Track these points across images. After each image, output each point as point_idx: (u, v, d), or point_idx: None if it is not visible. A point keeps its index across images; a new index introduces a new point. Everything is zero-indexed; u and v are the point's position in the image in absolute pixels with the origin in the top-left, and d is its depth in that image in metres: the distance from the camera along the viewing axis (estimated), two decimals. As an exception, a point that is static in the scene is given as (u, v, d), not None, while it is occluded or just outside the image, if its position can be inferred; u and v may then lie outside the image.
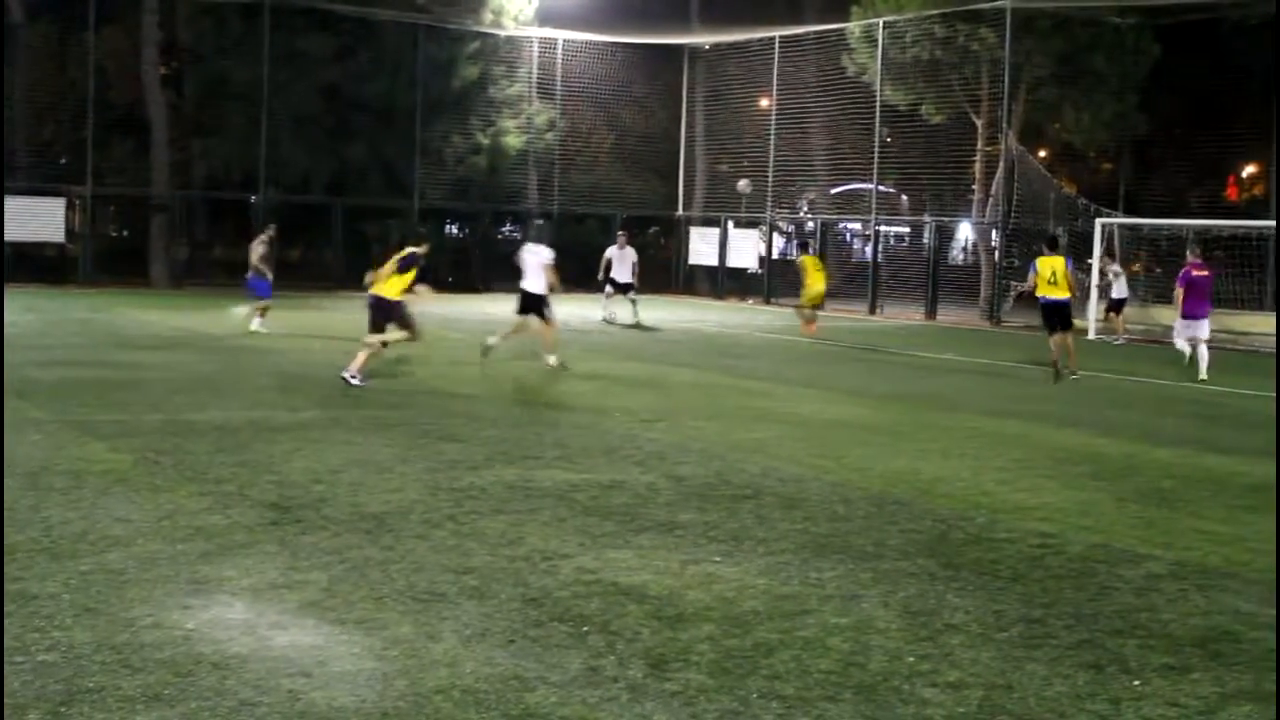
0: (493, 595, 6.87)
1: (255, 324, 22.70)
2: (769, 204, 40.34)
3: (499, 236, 44.85)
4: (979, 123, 35.52)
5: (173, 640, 5.97)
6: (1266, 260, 32.29)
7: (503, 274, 40.53)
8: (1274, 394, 19.05)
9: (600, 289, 29.18)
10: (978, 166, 36.11)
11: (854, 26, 37.05)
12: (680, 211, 43.71)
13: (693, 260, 42.69)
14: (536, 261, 18.58)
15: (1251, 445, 13.71)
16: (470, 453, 11.16)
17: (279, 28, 35.83)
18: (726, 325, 28.59)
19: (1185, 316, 20.95)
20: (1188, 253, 22.21)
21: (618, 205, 42.38)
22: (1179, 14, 33.66)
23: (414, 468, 10.36)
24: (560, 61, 41.33)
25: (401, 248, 16.34)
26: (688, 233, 42.82)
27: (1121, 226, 30.95)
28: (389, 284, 15.77)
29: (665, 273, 42.80)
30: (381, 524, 8.38)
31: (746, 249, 40.85)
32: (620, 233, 31.08)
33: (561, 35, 41.01)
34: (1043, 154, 38.95)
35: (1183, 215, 32.69)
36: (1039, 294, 20.12)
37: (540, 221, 22.59)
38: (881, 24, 36.01)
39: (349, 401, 14.21)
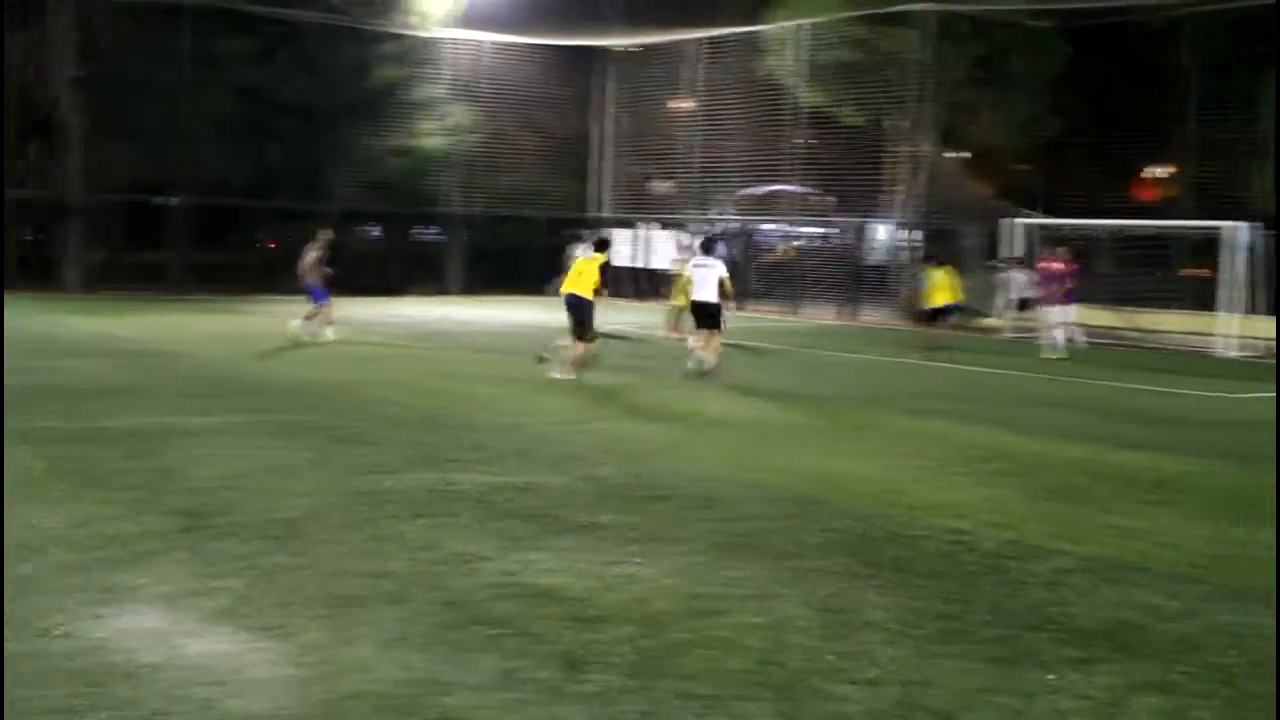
0: (410, 599, 6.85)
1: (328, 332, 22.53)
2: (687, 206, 40.42)
3: (416, 239, 44.64)
4: (897, 125, 35.80)
5: (84, 650, 5.90)
6: (1174, 260, 32.82)
7: (421, 277, 40.48)
8: (1178, 391, 19.39)
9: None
10: (896, 168, 36.39)
11: (773, 29, 37.22)
12: (600, 213, 43.71)
13: (613, 262, 42.64)
14: (711, 274, 18.98)
15: (1158, 441, 13.94)
16: (388, 456, 11.11)
17: (197, 30, 35.40)
18: (646, 327, 28.61)
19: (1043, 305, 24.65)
20: (1048, 250, 26.04)
21: (538, 207, 42.32)
22: (1091, 17, 34.10)
23: (330, 472, 10.30)
24: (479, 63, 41.19)
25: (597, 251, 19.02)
26: (580, 235, 42.75)
27: (1035, 226, 31.29)
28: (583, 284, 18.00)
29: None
30: (296, 529, 8.32)
31: (665, 251, 40.90)
32: (584, 233, 31.31)
33: (481, 37, 40.86)
34: (959, 155, 39.31)
35: (1095, 215, 33.07)
36: (933, 303, 23.45)
37: (718, 240, 22.79)
38: (800, 27, 36.20)
39: (263, 406, 14.09)
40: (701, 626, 6.54)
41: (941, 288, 23.72)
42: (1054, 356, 24.10)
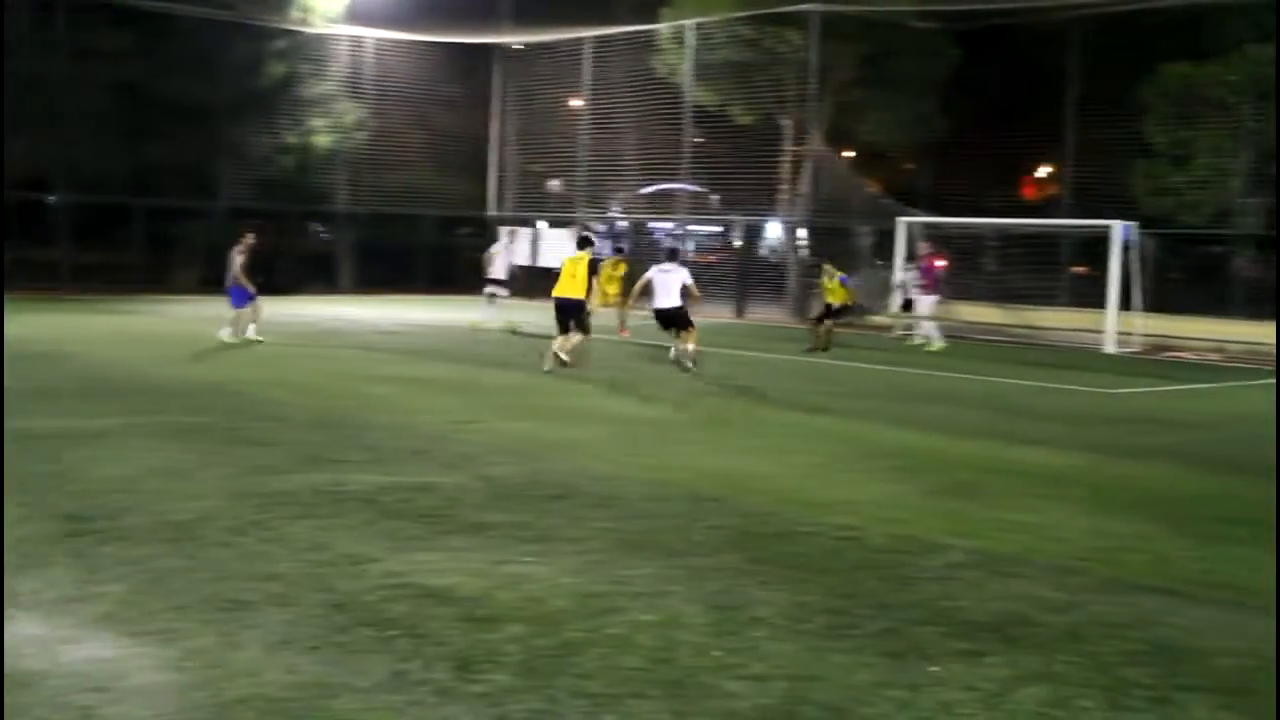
0: (298, 602, 6.77)
1: (247, 333, 22.40)
2: (580, 204, 40.44)
3: (308, 237, 44.17)
4: (786, 123, 36.07)
5: (-40, 657, 5.76)
6: (1061, 257, 33.44)
7: (312, 275, 40.05)
8: (1066, 387, 19.75)
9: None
10: (785, 166, 36.66)
11: (663, 28, 37.34)
12: (491, 211, 43.56)
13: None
14: (674, 279, 19.66)
15: (1047, 437, 14.18)
16: (276, 457, 10.97)
17: (74, 23, 34.69)
18: (540, 325, 28.53)
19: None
20: (925, 246, 27.85)
21: (428, 205, 42.08)
22: (978, 19, 34.62)
23: (218, 474, 10.15)
24: (370, 60, 40.85)
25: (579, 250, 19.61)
26: (499, 233, 42.62)
27: (923, 225, 31.69)
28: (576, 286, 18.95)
29: (476, 273, 42.52)
30: (184, 532, 8.18)
31: (559, 249, 40.85)
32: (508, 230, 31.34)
33: (370, 34, 40.53)
34: (848, 154, 39.70)
35: (982, 214, 33.60)
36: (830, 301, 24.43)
37: (674, 245, 23.68)
38: (690, 26, 36.34)
39: (152, 407, 13.84)
40: (594, 625, 6.53)
41: (836, 288, 24.17)
42: (933, 349, 24.68)
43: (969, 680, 5.92)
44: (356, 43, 40.54)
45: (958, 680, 5.92)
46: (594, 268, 19.63)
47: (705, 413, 15.26)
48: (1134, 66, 31.67)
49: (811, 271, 29.24)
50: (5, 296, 30.17)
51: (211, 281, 36.72)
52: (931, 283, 26.73)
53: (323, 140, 39.59)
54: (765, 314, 35.15)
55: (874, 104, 36.51)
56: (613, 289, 26.40)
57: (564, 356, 18.95)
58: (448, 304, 35.42)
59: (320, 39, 39.60)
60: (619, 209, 42.62)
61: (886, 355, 24.03)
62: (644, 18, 38.30)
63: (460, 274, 42.75)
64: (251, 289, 22.39)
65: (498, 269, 29.19)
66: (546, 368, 18.80)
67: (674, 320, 19.89)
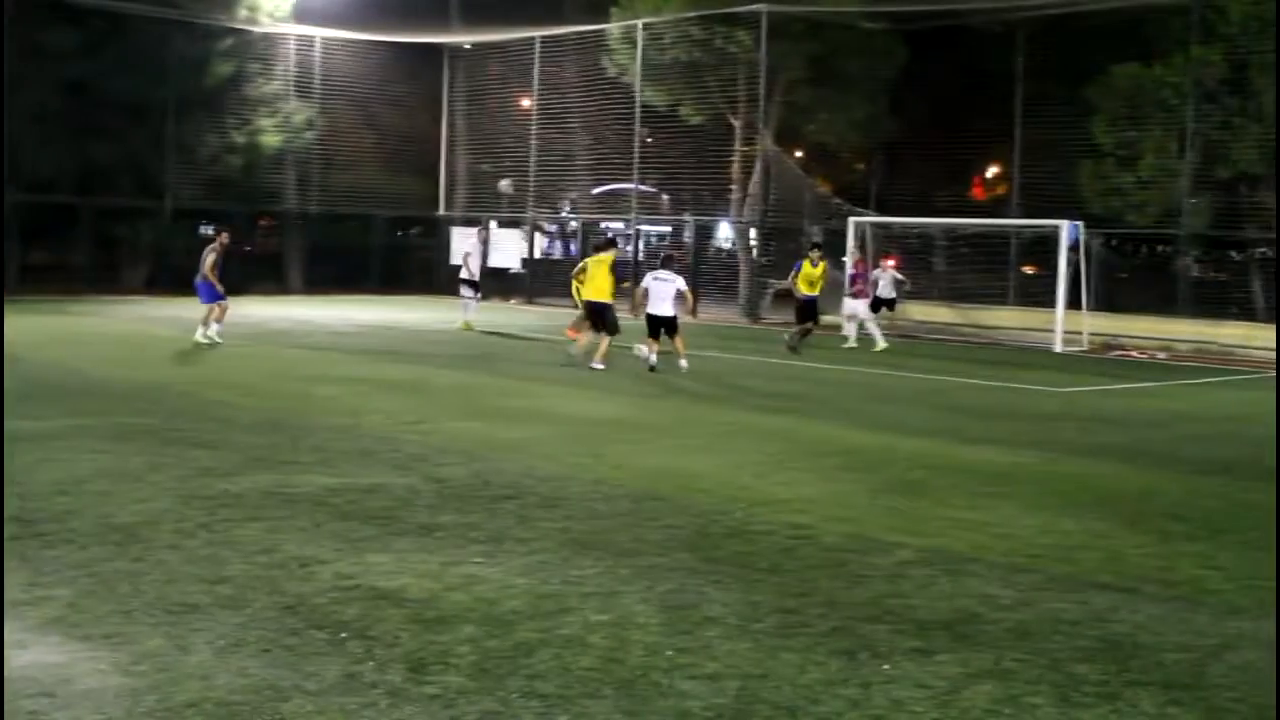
0: (247, 604, 6.72)
1: (209, 332, 22.28)
2: (531, 204, 40.39)
3: (256, 238, 43.88)
4: (736, 123, 36.14)
5: (-98, 663, 5.68)
6: (1008, 258, 33.67)
7: (260, 276, 39.78)
8: (1015, 386, 19.88)
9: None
10: (736, 166, 36.72)
11: (613, 28, 37.32)
12: (442, 211, 43.43)
13: (455, 260, 42.35)
14: (671, 288, 19.84)
15: (996, 435, 14.27)
16: (224, 459, 10.89)
17: (19, 20, 34.27)
18: (490, 325, 28.48)
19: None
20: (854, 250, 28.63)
21: (378, 205, 41.91)
22: (926, 20, 34.81)
23: (165, 476, 10.06)
24: (318, 59, 40.63)
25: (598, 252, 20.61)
26: (449, 233, 42.52)
27: (873, 225, 31.83)
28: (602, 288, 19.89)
29: (427, 273, 42.51)
30: (131, 535, 8.11)
31: (509, 249, 40.79)
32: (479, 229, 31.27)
33: (319, 33, 40.31)
34: (798, 154, 39.83)
35: (931, 214, 33.80)
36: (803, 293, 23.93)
37: (671, 248, 23.71)
38: (640, 25, 36.35)
39: (98, 409, 13.71)
40: (547, 625, 6.52)
41: (819, 276, 24.10)
42: (878, 349, 24.86)
43: (920, 678, 5.94)
44: (305, 41, 40.31)
45: (909, 678, 5.94)
46: (614, 267, 20.69)
47: (655, 412, 15.26)
48: (1081, 68, 31.94)
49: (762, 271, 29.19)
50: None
51: (158, 282, 36.69)
52: (862, 286, 26.97)
53: (271, 140, 39.34)
54: (717, 313, 35.17)
55: (823, 104, 36.63)
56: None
57: (596, 364, 19.56)
58: (398, 304, 35.32)
59: (268, 38, 39.35)
60: (569, 209, 42.60)
61: (835, 355, 24.11)
62: (594, 17, 38.28)
63: (411, 274, 42.66)
64: (220, 288, 22.37)
65: (472, 269, 29.09)
66: (600, 367, 19.44)
67: (665, 326, 19.99)
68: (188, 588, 6.99)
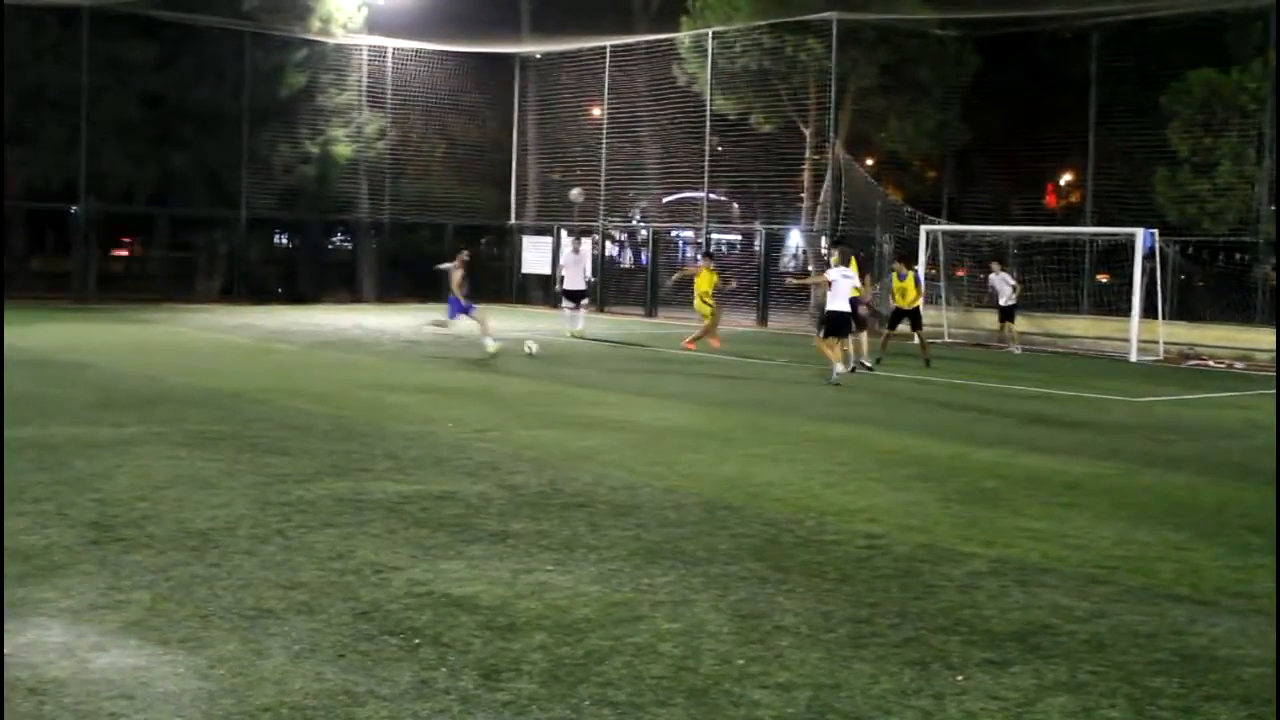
0: (322, 610, 6.78)
1: (489, 343, 22.85)
2: (601, 212, 40.48)
3: (329, 246, 44.32)
4: (807, 131, 36.06)
5: (-13, 665, 5.78)
6: (1082, 266, 33.36)
7: (332, 284, 40.17)
8: (1089, 395, 19.68)
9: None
10: (806, 175, 36.65)
11: (684, 36, 37.38)
12: (513, 220, 43.63)
13: (526, 269, 42.59)
14: (848, 284, 20.13)
15: (1068, 444, 14.14)
16: (298, 466, 11.00)
17: (98, 33, 34.84)
18: (560, 334, 28.58)
19: None
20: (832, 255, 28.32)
21: (450, 214, 42.18)
22: (998, 26, 34.59)
23: (241, 482, 10.18)
24: (390, 70, 40.99)
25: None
26: (520, 242, 42.73)
27: (946, 234, 31.65)
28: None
29: (498, 282, 42.71)
30: (207, 540, 8.21)
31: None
32: (573, 238, 31.51)
33: (391, 43, 40.67)
34: (869, 162, 39.66)
35: (1004, 222, 33.56)
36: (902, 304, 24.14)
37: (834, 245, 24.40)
38: (711, 34, 36.37)
39: (173, 416, 13.89)
40: (618, 633, 6.53)
41: (909, 287, 24.02)
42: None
43: (993, 690, 5.90)
44: (377, 52, 40.68)
45: (982, 690, 5.90)
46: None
47: (723, 421, 15.24)
48: (1155, 73, 31.60)
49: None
50: (31, 306, 30.36)
51: (233, 290, 37.15)
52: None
53: (344, 149, 39.72)
54: (788, 322, 35.07)
55: (894, 112, 36.50)
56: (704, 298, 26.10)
57: (836, 367, 20.17)
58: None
59: (341, 49, 39.74)
60: (639, 217, 42.68)
61: (902, 363, 23.96)
62: (664, 26, 38.33)
63: (482, 283, 42.87)
64: (465, 301, 23.23)
65: (573, 279, 29.33)
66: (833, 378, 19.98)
67: (841, 324, 20.32)
68: (263, 593, 7.06)
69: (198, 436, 12.48)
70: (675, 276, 29.15)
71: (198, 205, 37.73)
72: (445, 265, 24.11)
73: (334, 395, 16.50)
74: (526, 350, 22.75)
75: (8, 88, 34.13)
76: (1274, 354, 26.80)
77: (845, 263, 20.43)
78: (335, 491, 9.91)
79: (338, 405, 15.44)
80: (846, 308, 20.04)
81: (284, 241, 44.50)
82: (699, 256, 28.48)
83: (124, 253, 43.66)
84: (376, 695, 5.57)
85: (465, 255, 24.19)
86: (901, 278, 24.31)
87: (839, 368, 20.07)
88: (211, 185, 37.82)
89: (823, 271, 24.18)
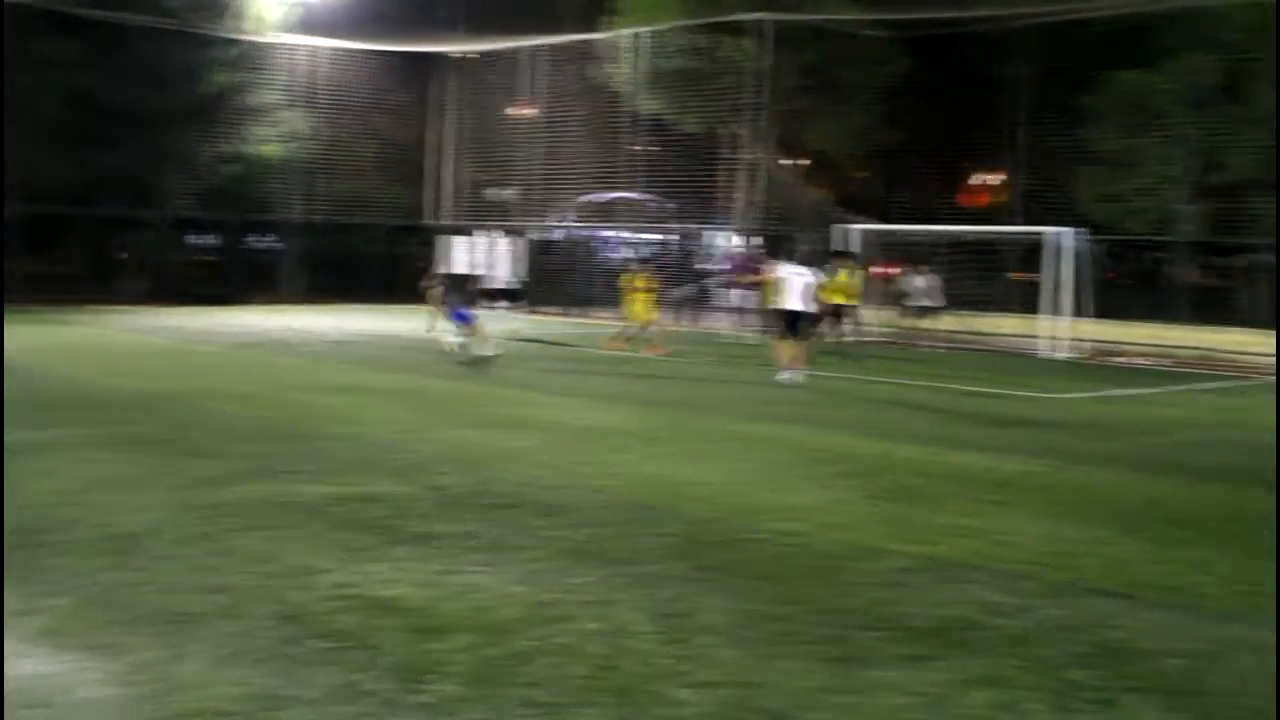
0: (246, 614, 6.73)
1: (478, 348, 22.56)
2: (528, 212, 40.41)
3: (255, 247, 43.94)
4: (735, 132, 36.18)
5: (-99, 674, 5.69)
6: (1005, 264, 33.73)
7: (258, 284, 39.83)
8: (1012, 393, 19.89)
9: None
10: (734, 175, 36.77)
11: (611, 36, 37.38)
12: (439, 220, 43.45)
13: (452, 270, 42.37)
14: (803, 283, 19.90)
15: (995, 442, 14.28)
16: (223, 468, 10.90)
17: (18, 31, 34.29)
18: (512, 334, 28.46)
19: None
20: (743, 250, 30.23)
21: (376, 214, 41.95)
22: (925, 28, 34.87)
23: (164, 485, 10.07)
24: (317, 69, 40.69)
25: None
26: (446, 242, 42.51)
27: (873, 233, 31.86)
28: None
29: (420, 281, 42.46)
30: (130, 545, 8.12)
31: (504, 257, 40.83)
32: (500, 237, 31.53)
33: (317, 42, 40.38)
34: (797, 162, 39.85)
35: (932, 221, 33.84)
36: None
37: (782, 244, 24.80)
38: (639, 34, 36.40)
39: (98, 419, 13.72)
40: (543, 634, 6.53)
41: (840, 289, 24.15)
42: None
43: (915, 685, 5.95)
44: (303, 51, 40.37)
45: (903, 685, 5.95)
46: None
47: (649, 420, 15.26)
48: (1080, 75, 32.01)
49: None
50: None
51: (157, 292, 36.73)
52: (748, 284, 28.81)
53: (269, 149, 39.38)
54: (714, 322, 35.14)
55: (822, 112, 36.70)
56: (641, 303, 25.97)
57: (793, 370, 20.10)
58: (395, 313, 35.29)
59: (266, 48, 39.40)
60: (567, 217, 42.64)
61: (826, 361, 24.09)
62: (591, 26, 38.33)
63: (408, 283, 42.66)
64: (467, 310, 23.23)
65: (499, 278, 29.20)
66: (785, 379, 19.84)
67: (795, 324, 20.18)
68: (186, 597, 7.00)
69: (121, 439, 12.34)
70: (736, 280, 29.06)
71: (121, 206, 37.27)
72: (429, 284, 23.98)
73: (259, 397, 16.37)
74: (454, 348, 22.64)
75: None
76: (1195, 351, 27.23)
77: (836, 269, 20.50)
78: (260, 494, 9.83)
79: (263, 407, 15.31)
80: (800, 306, 19.84)
81: (209, 242, 44.05)
82: (636, 262, 28.63)
83: (46, 254, 43.01)
84: (300, 699, 5.54)
85: (437, 271, 24.38)
86: (847, 274, 24.62)
87: (788, 374, 19.86)
88: (136, 185, 37.35)
89: (761, 269, 24.34)
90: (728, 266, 28.88)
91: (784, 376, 19.71)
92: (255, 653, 6.11)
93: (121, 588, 7.16)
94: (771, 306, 21.56)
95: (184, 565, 7.69)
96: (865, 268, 28.51)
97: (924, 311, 28.96)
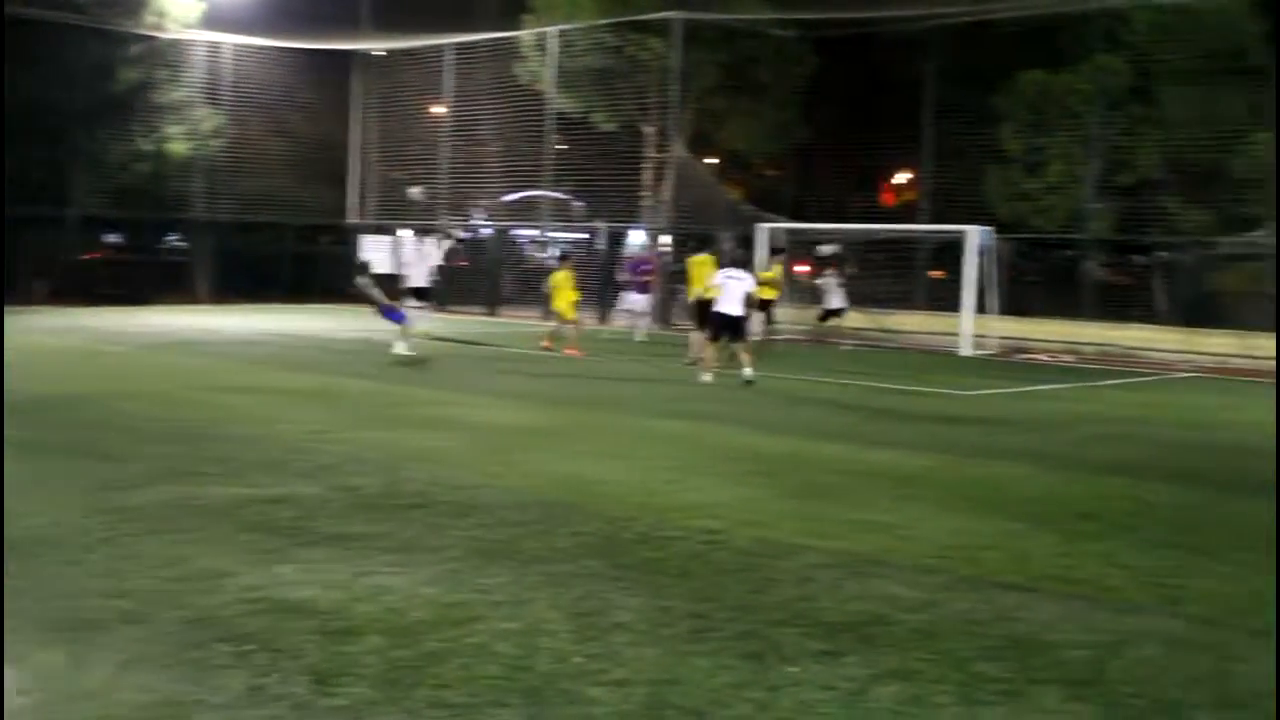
0: (151, 619, 6.62)
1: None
2: (442, 211, 40.19)
3: (164, 246, 43.34)
4: (649, 130, 36.23)
5: None
6: (919, 262, 34.08)
7: (167, 284, 39.28)
8: (923, 390, 20.08)
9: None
10: (648, 173, 36.81)
11: (526, 35, 37.29)
12: (353, 219, 43.13)
13: (375, 269, 42.02)
14: (739, 286, 19.56)
15: (904, 438, 14.41)
16: (128, 471, 10.73)
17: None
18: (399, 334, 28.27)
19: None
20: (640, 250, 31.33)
21: (289, 213, 41.56)
22: (836, 27, 35.10)
23: (67, 489, 9.88)
24: (228, 66, 40.21)
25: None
26: (361, 241, 42.18)
27: (786, 231, 32.02)
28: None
29: (337, 282, 42.17)
30: (30, 551, 7.95)
31: (421, 256, 40.52)
32: (421, 236, 31.57)
33: (228, 39, 39.91)
34: (711, 161, 39.97)
35: (843, 219, 34.07)
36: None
37: (730, 245, 24.54)
38: (552, 32, 36.34)
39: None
40: (454, 635, 6.49)
41: (769, 284, 24.14)
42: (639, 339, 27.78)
43: (827, 680, 5.99)
44: (214, 48, 39.88)
45: (816, 680, 5.98)
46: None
47: (563, 419, 15.24)
48: (988, 75, 32.36)
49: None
50: None
51: (63, 292, 36.11)
52: (642, 283, 29.42)
53: (179, 147, 38.86)
54: (631, 319, 35.13)
55: (735, 111, 36.83)
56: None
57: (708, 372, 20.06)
58: (308, 313, 35.05)
59: (176, 44, 38.84)
60: (482, 216, 42.46)
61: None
62: (507, 24, 38.21)
63: (321, 283, 42.29)
64: (400, 308, 23.35)
65: (417, 276, 28.98)
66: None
67: (733, 328, 19.90)
68: (88, 603, 6.87)
69: (22, 442, 12.09)
70: (632, 280, 29.20)
71: (27, 204, 36.57)
72: (363, 281, 23.69)
73: (167, 397, 16.15)
74: (398, 352, 22.60)
75: None
76: (1101, 348, 27.64)
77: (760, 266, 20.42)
78: (166, 497, 9.69)
79: (170, 408, 15.10)
80: (736, 311, 19.66)
81: (118, 241, 43.37)
82: (559, 259, 28.50)
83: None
84: (207, 704, 5.46)
85: (370, 267, 24.44)
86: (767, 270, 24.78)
87: (707, 376, 19.70)
88: (41, 183, 36.68)
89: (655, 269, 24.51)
90: (627, 267, 29.05)
91: (705, 378, 19.68)
92: (161, 658, 6.02)
93: (20, 595, 7.01)
94: (692, 302, 21.81)
95: (87, 570, 7.55)
96: (789, 266, 28.62)
97: (829, 313, 29.09)
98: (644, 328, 29.27)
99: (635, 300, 29.10)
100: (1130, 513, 10.41)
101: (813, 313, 29.45)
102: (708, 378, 19.56)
